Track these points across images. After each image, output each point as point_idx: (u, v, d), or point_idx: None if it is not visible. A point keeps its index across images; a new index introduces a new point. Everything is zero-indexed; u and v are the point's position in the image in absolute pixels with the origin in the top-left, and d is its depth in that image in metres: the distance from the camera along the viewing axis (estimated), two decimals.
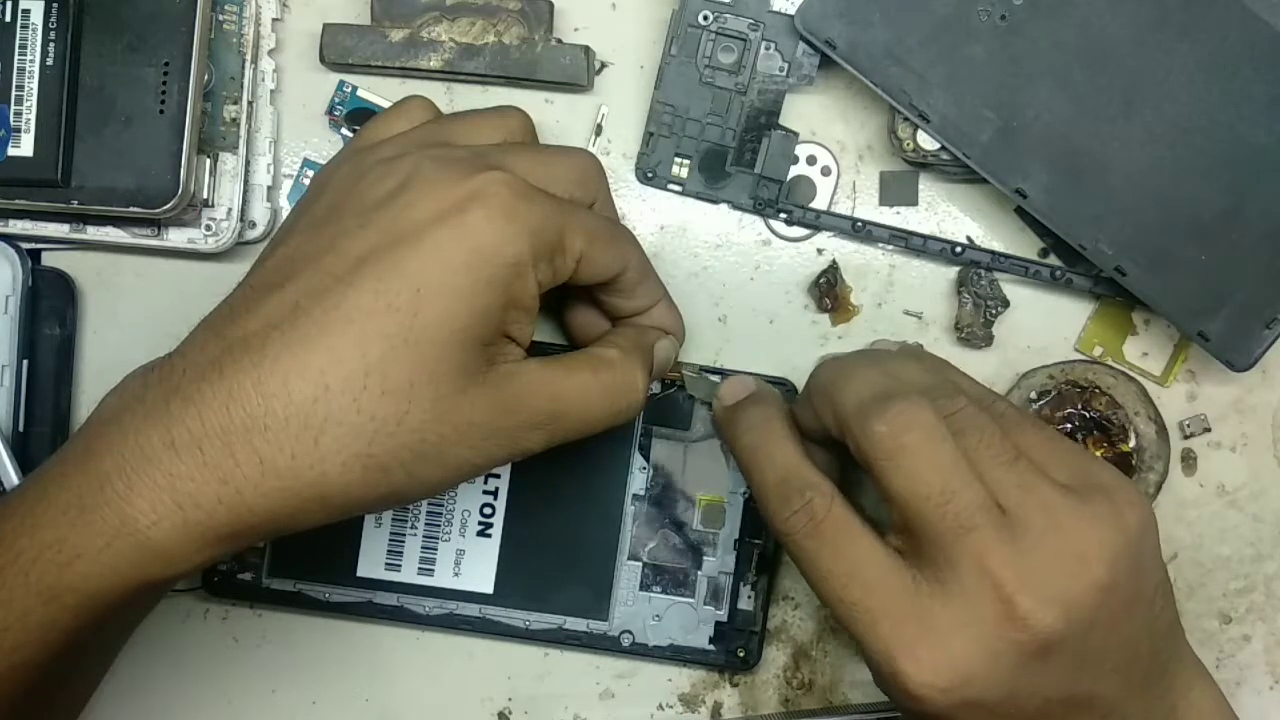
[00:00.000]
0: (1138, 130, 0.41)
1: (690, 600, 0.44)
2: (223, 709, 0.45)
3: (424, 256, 0.32)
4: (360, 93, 0.44)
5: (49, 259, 0.44)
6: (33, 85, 0.41)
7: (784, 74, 0.43)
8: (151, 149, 0.41)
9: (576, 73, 0.43)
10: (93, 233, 0.43)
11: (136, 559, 0.31)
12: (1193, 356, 0.45)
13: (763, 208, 0.44)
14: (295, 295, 0.32)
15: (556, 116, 0.45)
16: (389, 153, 0.36)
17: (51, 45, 0.41)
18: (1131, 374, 0.44)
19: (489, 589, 0.44)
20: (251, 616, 0.45)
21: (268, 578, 0.44)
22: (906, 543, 0.34)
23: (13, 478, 0.42)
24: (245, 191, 0.44)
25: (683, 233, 0.45)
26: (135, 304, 0.45)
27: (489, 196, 0.33)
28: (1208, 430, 0.45)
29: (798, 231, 0.45)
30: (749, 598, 0.44)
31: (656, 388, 0.44)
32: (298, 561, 0.44)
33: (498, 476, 0.44)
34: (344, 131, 0.45)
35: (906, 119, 0.42)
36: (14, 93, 0.41)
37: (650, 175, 0.44)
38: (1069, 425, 0.44)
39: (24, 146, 0.41)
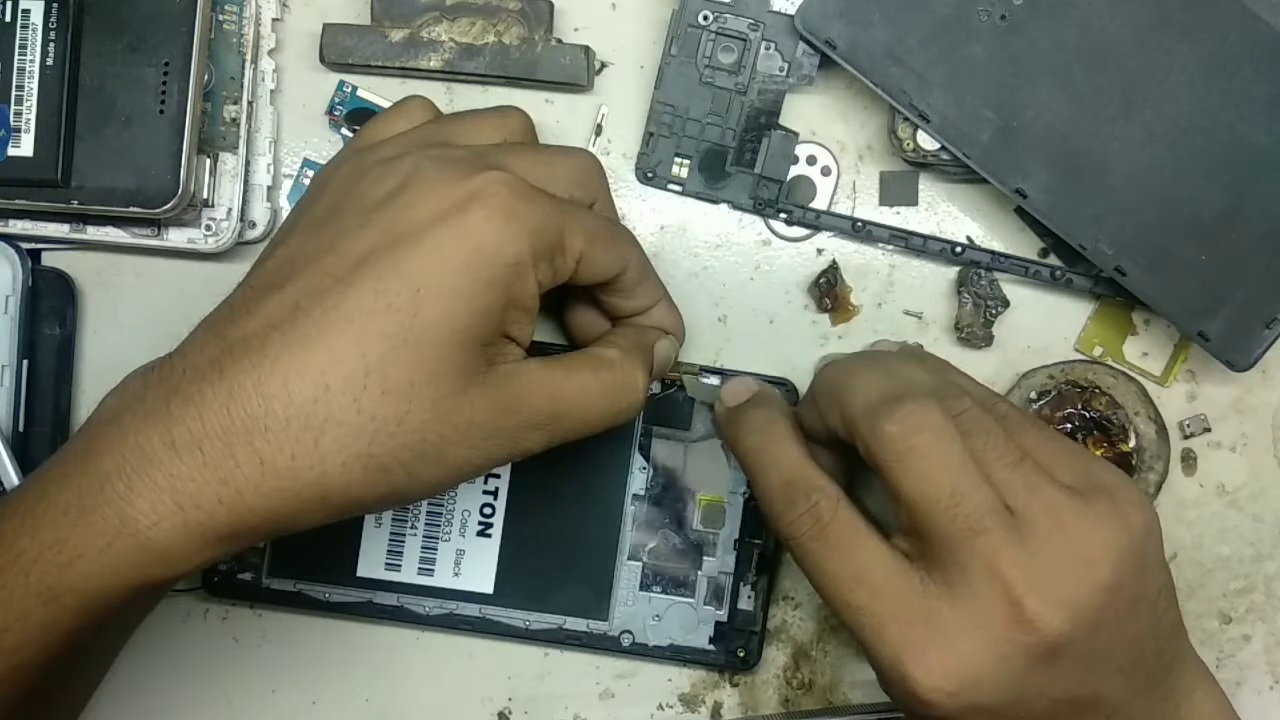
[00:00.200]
0: (1138, 130, 0.41)
1: (690, 600, 0.44)
2: (223, 709, 0.45)
3: (424, 256, 0.32)
4: (360, 93, 0.44)
5: (49, 259, 0.44)
6: (33, 85, 0.41)
7: (784, 74, 0.43)
8: (151, 149, 0.41)
9: (576, 73, 0.43)
10: (93, 233, 0.43)
11: (137, 559, 0.31)
12: (1193, 356, 0.45)
13: (763, 208, 0.44)
14: (295, 295, 0.32)
15: (556, 116, 0.45)
16: (389, 153, 0.36)
17: (51, 45, 0.41)
18: (1131, 374, 0.44)
19: (489, 589, 0.44)
20: (251, 616, 0.45)
21: (268, 578, 0.44)
22: (914, 545, 0.34)
23: (13, 478, 0.42)
24: (245, 191, 0.44)
25: (683, 233, 0.45)
26: (135, 304, 0.45)
27: (489, 196, 0.33)
28: (1208, 430, 0.45)
29: (798, 231, 0.45)
30: (749, 598, 0.44)
31: (656, 388, 0.44)
32: (298, 561, 0.44)
33: (498, 476, 0.44)
34: (344, 131, 0.45)
35: (906, 119, 0.42)
36: (14, 93, 0.41)
37: (650, 175, 0.44)
38: (1069, 425, 0.44)
39: (24, 146, 0.41)
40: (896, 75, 0.41)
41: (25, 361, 0.43)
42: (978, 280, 0.44)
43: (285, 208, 0.45)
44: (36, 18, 0.41)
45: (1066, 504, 0.34)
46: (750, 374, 0.43)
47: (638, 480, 0.44)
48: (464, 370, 0.33)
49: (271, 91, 0.44)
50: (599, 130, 0.45)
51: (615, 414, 0.37)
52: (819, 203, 0.45)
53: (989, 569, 0.33)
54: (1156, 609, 0.35)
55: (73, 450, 0.32)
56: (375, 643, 0.45)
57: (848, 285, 0.45)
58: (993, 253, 0.44)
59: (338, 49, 0.43)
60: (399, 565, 0.44)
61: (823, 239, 0.45)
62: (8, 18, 0.41)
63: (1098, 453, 0.43)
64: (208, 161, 0.43)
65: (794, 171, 0.44)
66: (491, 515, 0.44)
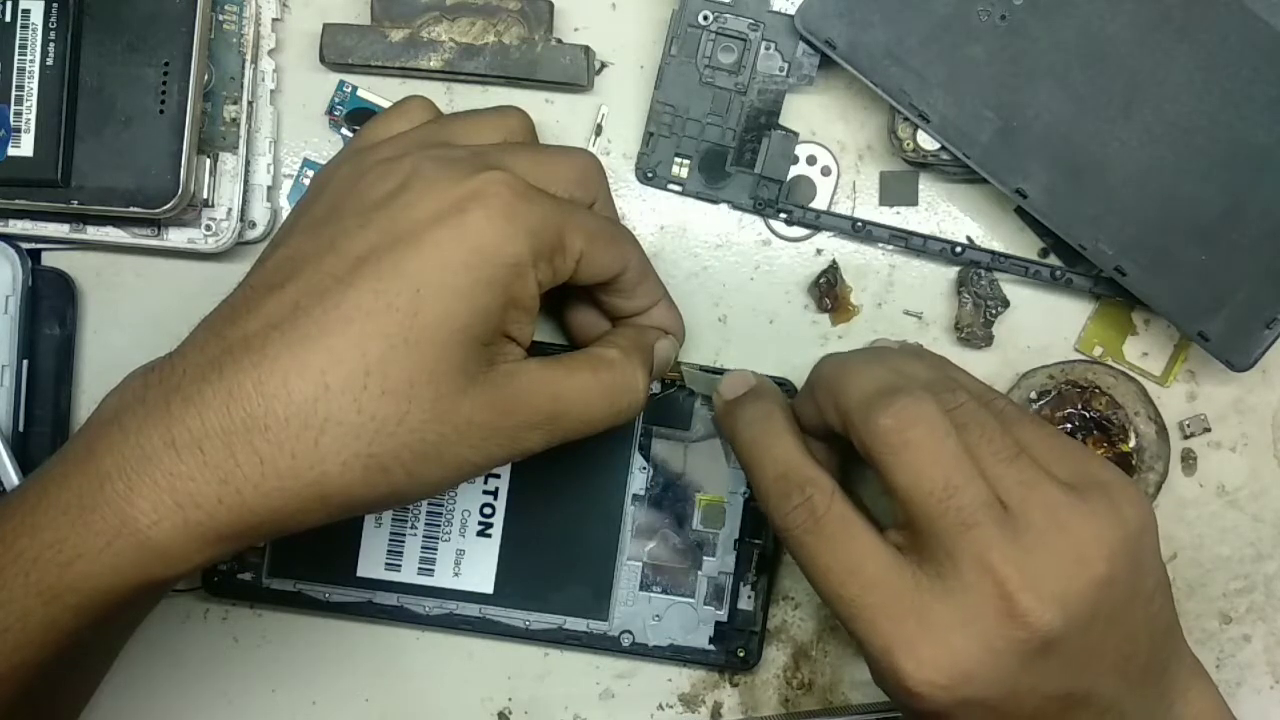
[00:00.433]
0: (1138, 130, 0.41)
1: (690, 600, 0.44)
2: (223, 709, 0.45)
3: (424, 256, 0.32)
4: (360, 93, 0.44)
5: (49, 259, 0.44)
6: (33, 85, 0.41)
7: (784, 74, 0.43)
8: (151, 149, 0.41)
9: (576, 73, 0.43)
10: (93, 233, 0.43)
11: (137, 559, 0.31)
12: (1193, 356, 0.45)
13: (763, 208, 0.44)
14: (295, 295, 0.32)
15: (556, 116, 0.45)
16: (389, 153, 0.36)
17: (51, 45, 0.41)
18: (1131, 374, 0.44)
19: (489, 589, 0.44)
20: (251, 616, 0.45)
21: (268, 578, 0.44)
22: (908, 538, 0.34)
23: (13, 478, 0.42)
24: (245, 191, 0.44)
25: (683, 233, 0.45)
26: (135, 304, 0.45)
27: (489, 196, 0.33)
28: (1208, 430, 0.45)
29: (798, 231, 0.45)
30: (749, 598, 0.44)
31: (656, 388, 0.44)
32: (298, 561, 0.44)
33: (498, 476, 0.44)
34: (344, 131, 0.45)
35: (906, 119, 0.42)
36: (14, 93, 0.41)
37: (650, 175, 0.44)
38: (1069, 425, 0.44)
39: (24, 146, 0.41)
40: (896, 75, 0.41)
41: (25, 361, 0.43)
42: (978, 280, 0.44)
43: (285, 208, 0.45)
44: (36, 18, 0.41)
45: (1062, 499, 0.34)
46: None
47: (638, 480, 0.44)
48: (464, 370, 0.33)
49: (271, 91, 0.44)
50: (599, 130, 0.45)
51: (615, 414, 0.37)
52: (819, 203, 0.45)
53: (981, 563, 0.33)
54: (1151, 606, 0.35)
55: (73, 450, 0.32)
56: (375, 643, 0.45)
57: (848, 285, 0.45)
58: (993, 253, 0.44)
59: (338, 49, 0.43)
60: (399, 565, 0.44)
61: (823, 239, 0.45)
62: (8, 18, 0.41)
63: (1098, 453, 0.43)
64: (208, 161, 0.43)
65: (794, 171, 0.44)
66: (491, 515, 0.44)
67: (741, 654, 0.44)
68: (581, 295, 0.41)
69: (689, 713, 0.45)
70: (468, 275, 0.32)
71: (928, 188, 0.45)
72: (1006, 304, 0.44)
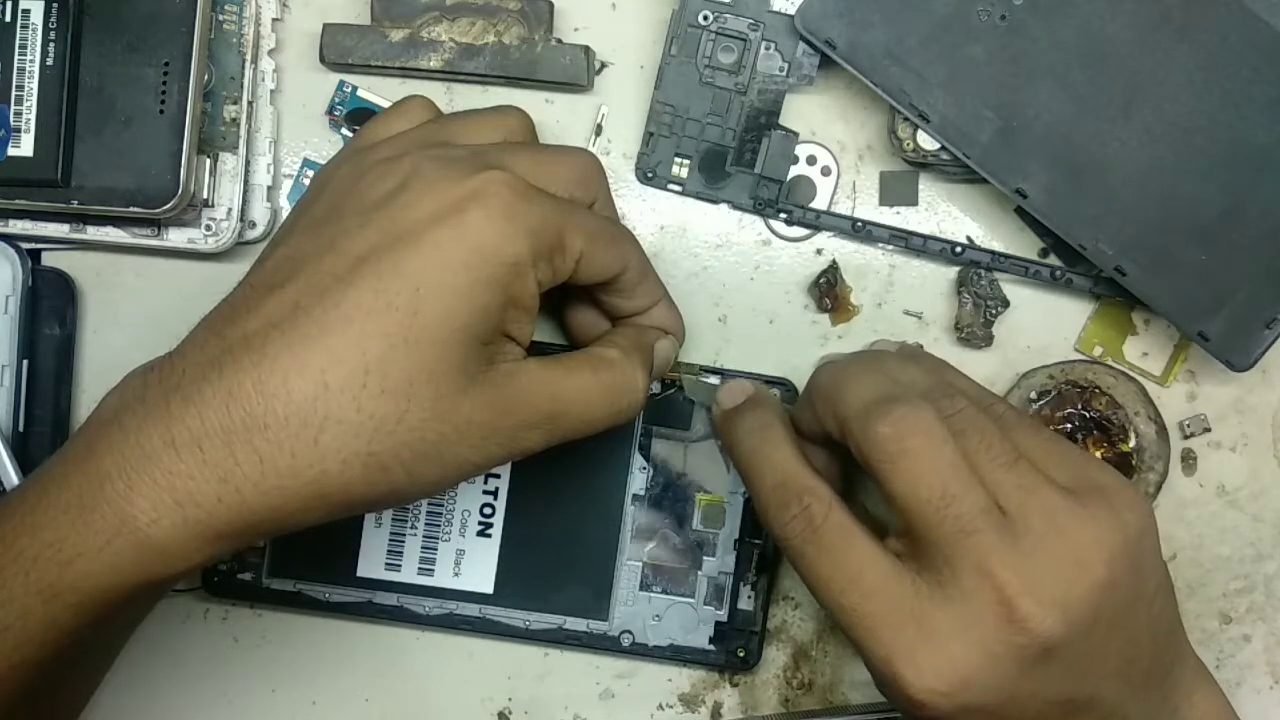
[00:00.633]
0: (1138, 130, 0.41)
1: (690, 600, 0.44)
2: (223, 709, 0.45)
3: (423, 256, 0.32)
4: (360, 93, 0.44)
5: (49, 259, 0.44)
6: (33, 85, 0.41)
7: (784, 74, 0.43)
8: (151, 149, 0.41)
9: (576, 73, 0.43)
10: (93, 233, 0.43)
11: (136, 558, 0.31)
12: (1193, 356, 0.45)
13: (763, 208, 0.44)
14: (295, 295, 0.32)
15: (556, 116, 0.45)
16: (389, 152, 0.36)
17: (51, 45, 0.41)
18: (1131, 374, 0.44)
19: (489, 589, 0.44)
20: (251, 616, 0.45)
21: (268, 578, 0.44)
22: (907, 546, 0.34)
23: (13, 478, 0.42)
24: (245, 191, 0.44)
25: (683, 233, 0.45)
26: (135, 304, 0.45)
27: (488, 196, 0.33)
28: (1208, 430, 0.45)
29: (798, 231, 0.45)
30: (749, 598, 0.44)
31: (656, 388, 0.44)
32: (298, 561, 0.44)
33: (498, 476, 0.44)
34: (344, 131, 0.45)
35: (906, 119, 0.42)
36: (14, 93, 0.41)
37: (650, 175, 0.44)
38: (1069, 425, 0.44)
39: (24, 146, 0.41)
40: (896, 75, 0.41)
41: (25, 361, 0.43)
42: (978, 280, 0.44)
43: (285, 208, 0.45)
44: (36, 18, 0.41)
45: (1061, 504, 0.34)
46: (749, 374, 0.43)
47: (638, 480, 0.44)
48: (463, 369, 0.33)
49: (271, 91, 0.44)
50: (599, 130, 0.45)
51: (615, 414, 0.37)
52: (819, 203, 0.45)
53: (980, 569, 0.33)
54: (1153, 609, 0.35)
55: (73, 449, 0.32)
56: (375, 643, 0.45)
57: (848, 285, 0.45)
58: (993, 253, 0.44)
59: (338, 49, 0.43)
60: (399, 565, 0.44)
61: (823, 239, 0.45)
62: (8, 18, 0.41)
63: (1097, 453, 0.43)
64: (208, 161, 0.43)
65: (794, 171, 0.44)
66: (491, 515, 0.44)
67: (741, 654, 0.44)
68: (581, 295, 0.41)
69: (689, 713, 0.45)
70: (467, 275, 0.32)
71: (928, 188, 0.45)
72: (1006, 304, 0.44)
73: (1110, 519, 0.34)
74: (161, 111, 0.41)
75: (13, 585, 0.31)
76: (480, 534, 0.44)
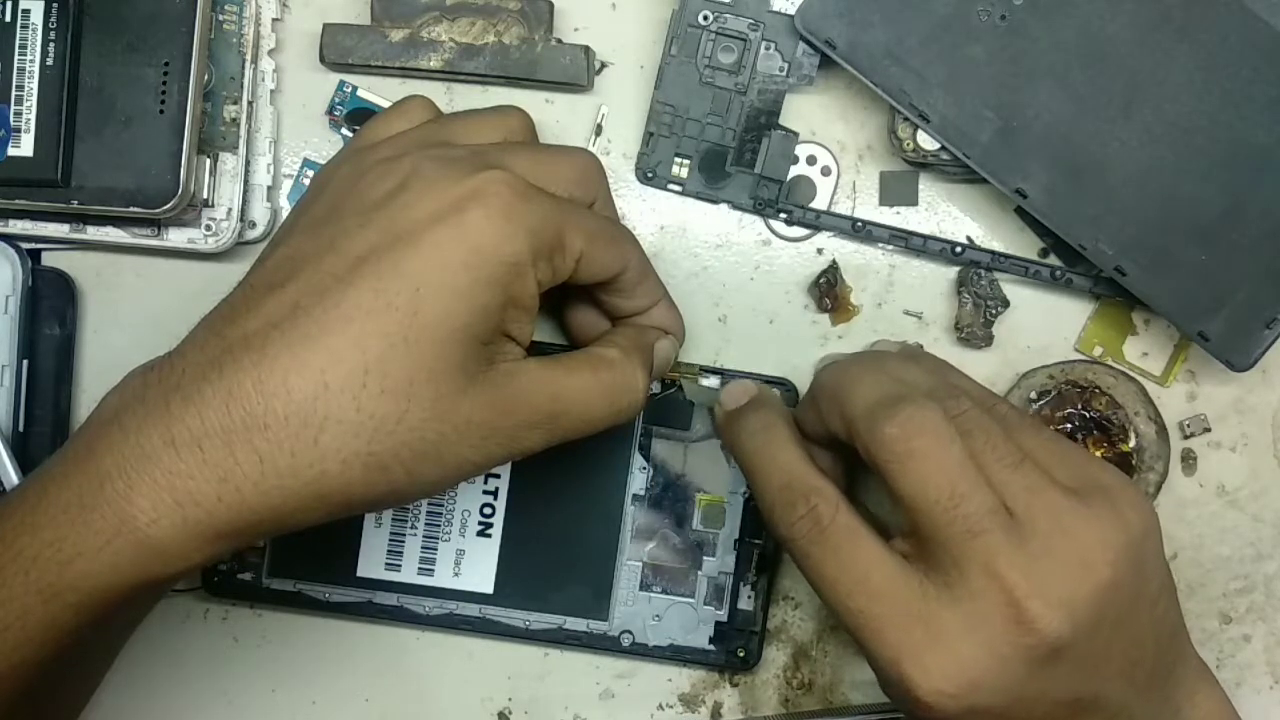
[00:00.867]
0: (1138, 130, 0.41)
1: (690, 600, 0.44)
2: (223, 709, 0.45)
3: (423, 256, 0.32)
4: (360, 93, 0.44)
5: (49, 259, 0.44)
6: (33, 85, 0.41)
7: (784, 74, 0.43)
8: (151, 149, 0.41)
9: (576, 73, 0.43)
10: (93, 233, 0.43)
11: (136, 557, 0.31)
12: (1193, 356, 0.45)
13: (763, 208, 0.44)
14: (295, 295, 0.32)
15: (556, 116, 0.45)
16: (389, 152, 0.36)
17: (51, 45, 0.41)
18: (1131, 374, 0.44)
19: (489, 589, 0.44)
20: (251, 616, 0.45)
21: (268, 578, 0.44)
22: (914, 546, 0.34)
23: (13, 478, 0.42)
24: (245, 191, 0.44)
25: (683, 233, 0.45)
26: (135, 304, 0.45)
27: (488, 196, 0.33)
28: (1208, 430, 0.45)
29: (798, 231, 0.45)
30: (749, 598, 0.44)
31: (656, 388, 0.44)
32: (298, 561, 0.44)
33: (498, 476, 0.44)
34: (344, 131, 0.45)
35: (906, 119, 0.42)
36: (14, 93, 0.41)
37: (650, 175, 0.44)
38: (1069, 425, 0.44)
39: (24, 146, 0.41)
40: (896, 75, 0.41)
41: (25, 361, 0.43)
42: (978, 280, 0.44)
43: (285, 208, 0.45)
44: (36, 18, 0.41)
45: (1065, 505, 0.34)
46: (750, 375, 0.43)
47: (638, 480, 0.44)
48: (463, 369, 0.33)
49: (271, 91, 0.44)
50: (599, 130, 0.45)
51: (615, 414, 0.37)
52: (819, 203, 0.45)
53: (988, 570, 0.33)
54: (1156, 609, 0.35)
55: (73, 449, 0.32)
56: (375, 643, 0.45)
57: (848, 285, 0.45)
58: (993, 253, 0.44)
59: (338, 49, 0.43)
60: (399, 565, 0.44)
61: (823, 239, 0.45)
62: (8, 18, 0.41)
63: (1098, 453, 0.43)
64: (208, 161, 0.43)
65: (794, 171, 0.44)
66: (491, 515, 0.44)
67: (741, 654, 0.44)
68: (581, 295, 0.41)
69: (689, 713, 0.45)
70: (467, 274, 0.32)
71: (928, 188, 0.45)
72: (1006, 304, 0.44)
73: (1114, 519, 0.34)
74: (161, 111, 0.41)
75: (13, 585, 0.31)
76: (480, 534, 0.44)
